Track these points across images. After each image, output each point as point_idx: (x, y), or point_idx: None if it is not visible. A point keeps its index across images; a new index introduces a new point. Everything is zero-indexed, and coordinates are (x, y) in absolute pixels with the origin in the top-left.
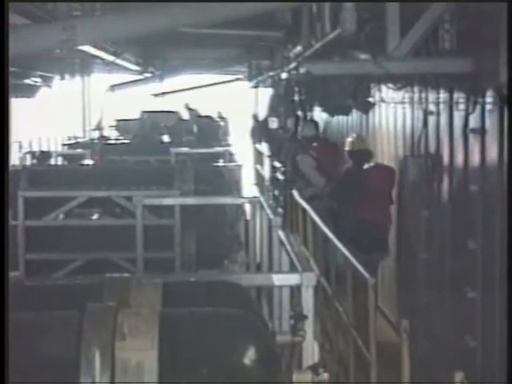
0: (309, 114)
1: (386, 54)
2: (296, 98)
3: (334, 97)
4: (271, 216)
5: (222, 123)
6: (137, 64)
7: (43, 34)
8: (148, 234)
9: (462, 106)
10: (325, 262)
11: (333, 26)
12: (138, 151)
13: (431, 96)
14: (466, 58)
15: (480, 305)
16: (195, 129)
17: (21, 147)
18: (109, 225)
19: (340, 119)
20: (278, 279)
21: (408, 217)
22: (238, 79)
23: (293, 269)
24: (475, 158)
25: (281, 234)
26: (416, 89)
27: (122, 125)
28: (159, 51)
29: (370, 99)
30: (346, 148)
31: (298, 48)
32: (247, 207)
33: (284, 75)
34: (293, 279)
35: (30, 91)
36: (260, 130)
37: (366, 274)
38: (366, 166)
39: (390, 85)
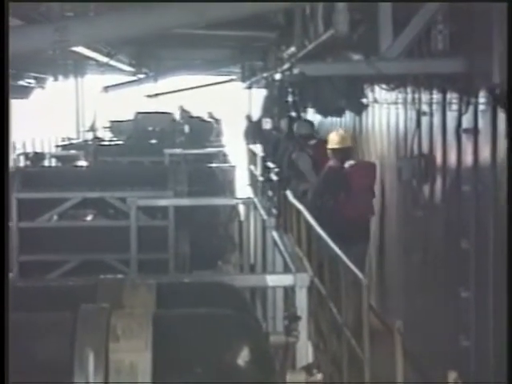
0: (302, 114)
1: (378, 55)
2: (289, 98)
3: (327, 98)
4: (265, 217)
5: (214, 124)
6: (130, 65)
7: (36, 35)
8: (142, 235)
9: (454, 107)
10: (318, 261)
11: (326, 26)
12: (131, 152)
13: (424, 96)
14: (459, 59)
15: (473, 304)
16: (187, 129)
17: (14, 148)
18: (103, 226)
19: (333, 120)
20: (271, 280)
21: (401, 217)
22: (232, 80)
23: (286, 269)
24: (468, 159)
25: (275, 234)
26: (409, 89)
27: (115, 126)
28: (153, 52)
29: (363, 100)
30: (330, 146)
31: (292, 49)
32: (241, 208)
33: (277, 76)
34: (286, 280)
35: (24, 92)
36: (254, 131)
37: (360, 274)
38: (347, 164)
39: (383, 85)
